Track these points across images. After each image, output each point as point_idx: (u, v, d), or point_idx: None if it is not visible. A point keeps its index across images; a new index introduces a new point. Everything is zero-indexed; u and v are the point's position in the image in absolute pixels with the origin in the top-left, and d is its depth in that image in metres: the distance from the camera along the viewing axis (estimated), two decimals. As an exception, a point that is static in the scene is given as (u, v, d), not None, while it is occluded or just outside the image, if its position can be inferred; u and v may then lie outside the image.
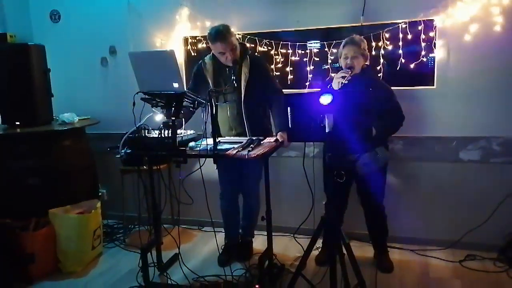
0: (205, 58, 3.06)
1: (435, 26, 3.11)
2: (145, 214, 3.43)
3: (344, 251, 2.28)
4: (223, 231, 3.34)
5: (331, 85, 2.88)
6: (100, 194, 3.91)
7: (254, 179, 3.11)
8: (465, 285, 2.82)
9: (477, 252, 3.17)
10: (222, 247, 3.28)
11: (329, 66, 3.37)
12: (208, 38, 2.86)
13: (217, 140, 2.57)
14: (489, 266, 3.03)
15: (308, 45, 3.40)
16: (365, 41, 2.97)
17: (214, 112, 2.68)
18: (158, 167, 3.18)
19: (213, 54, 2.99)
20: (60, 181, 3.41)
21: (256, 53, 3.41)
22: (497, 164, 3.15)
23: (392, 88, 2.95)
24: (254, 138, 2.69)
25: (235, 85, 2.85)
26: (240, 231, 3.32)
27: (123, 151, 2.55)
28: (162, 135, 2.51)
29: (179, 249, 3.00)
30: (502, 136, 3.11)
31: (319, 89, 3.19)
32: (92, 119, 3.85)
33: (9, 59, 3.42)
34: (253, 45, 3.45)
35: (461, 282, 2.85)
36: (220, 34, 2.80)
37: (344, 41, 2.93)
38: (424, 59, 3.16)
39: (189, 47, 3.71)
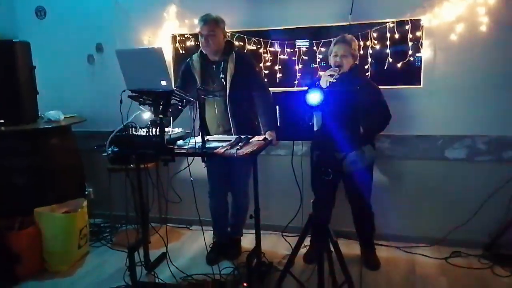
0: (192, 56, 3.06)
1: (422, 26, 3.14)
2: (132, 213, 3.41)
3: (332, 249, 2.29)
4: (212, 229, 3.34)
5: (319, 83, 2.89)
6: (86, 193, 3.87)
7: (242, 177, 3.11)
8: (450, 281, 2.86)
9: (462, 249, 3.22)
10: (211, 246, 3.28)
11: (317, 65, 3.38)
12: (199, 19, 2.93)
13: (205, 138, 2.56)
14: (474, 263, 3.07)
15: (297, 43, 3.40)
16: (356, 41, 2.99)
17: (202, 110, 2.67)
18: (146, 166, 3.16)
19: (200, 51, 2.99)
20: (46, 179, 3.37)
21: (244, 51, 3.41)
22: (482, 162, 3.19)
23: (379, 87, 2.98)
24: (242, 136, 2.68)
25: (224, 83, 2.85)
26: (229, 229, 3.32)
27: (110, 149, 2.52)
28: (150, 133, 2.50)
29: (166, 248, 2.99)
30: (487, 135, 3.16)
31: (307, 88, 3.20)
32: (78, 117, 3.81)
33: (-6, 56, 3.36)
34: (241, 43, 3.45)
35: (447, 278, 2.89)
36: (209, 16, 2.89)
37: (335, 39, 2.95)
38: (411, 58, 3.19)
39: (177, 44, 3.69)
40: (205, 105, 3.00)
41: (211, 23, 2.86)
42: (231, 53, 2.94)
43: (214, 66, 2.95)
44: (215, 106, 2.99)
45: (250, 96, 3.01)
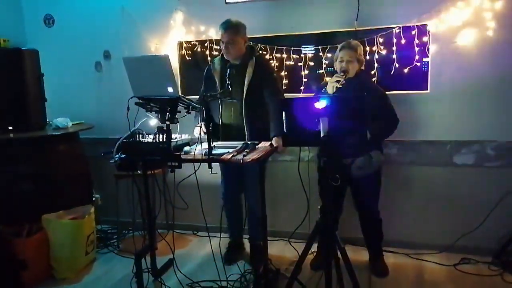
0: (214, 59, 3.14)
1: (429, 31, 3.13)
2: (139, 219, 3.41)
3: (339, 256, 2.27)
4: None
5: (325, 89, 2.89)
6: (94, 199, 3.88)
7: (255, 184, 3.07)
8: (460, 289, 2.83)
9: (471, 256, 3.18)
10: (227, 247, 3.32)
11: (323, 71, 3.38)
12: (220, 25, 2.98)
13: (212, 145, 2.56)
14: (484, 270, 3.03)
15: (303, 49, 3.41)
16: (361, 46, 2.99)
17: (208, 116, 2.68)
18: (153, 172, 3.16)
19: (222, 55, 3.05)
20: (53, 186, 3.39)
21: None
22: (491, 168, 3.16)
23: (386, 92, 2.97)
24: (249, 142, 2.69)
25: (230, 89, 2.85)
26: (249, 236, 3.32)
27: (117, 156, 2.54)
28: (157, 140, 2.51)
29: (173, 254, 2.98)
30: (495, 140, 3.13)
31: (314, 94, 3.21)
32: (86, 124, 3.83)
33: (2, 64, 3.40)
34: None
35: (456, 286, 2.86)
36: (230, 23, 2.94)
37: (341, 44, 2.96)
38: (418, 64, 3.18)
39: (183, 51, 3.71)
40: (223, 107, 3.05)
41: (231, 31, 2.91)
42: (251, 58, 2.98)
43: (233, 69, 2.97)
44: (231, 109, 3.01)
45: (266, 101, 3.03)
